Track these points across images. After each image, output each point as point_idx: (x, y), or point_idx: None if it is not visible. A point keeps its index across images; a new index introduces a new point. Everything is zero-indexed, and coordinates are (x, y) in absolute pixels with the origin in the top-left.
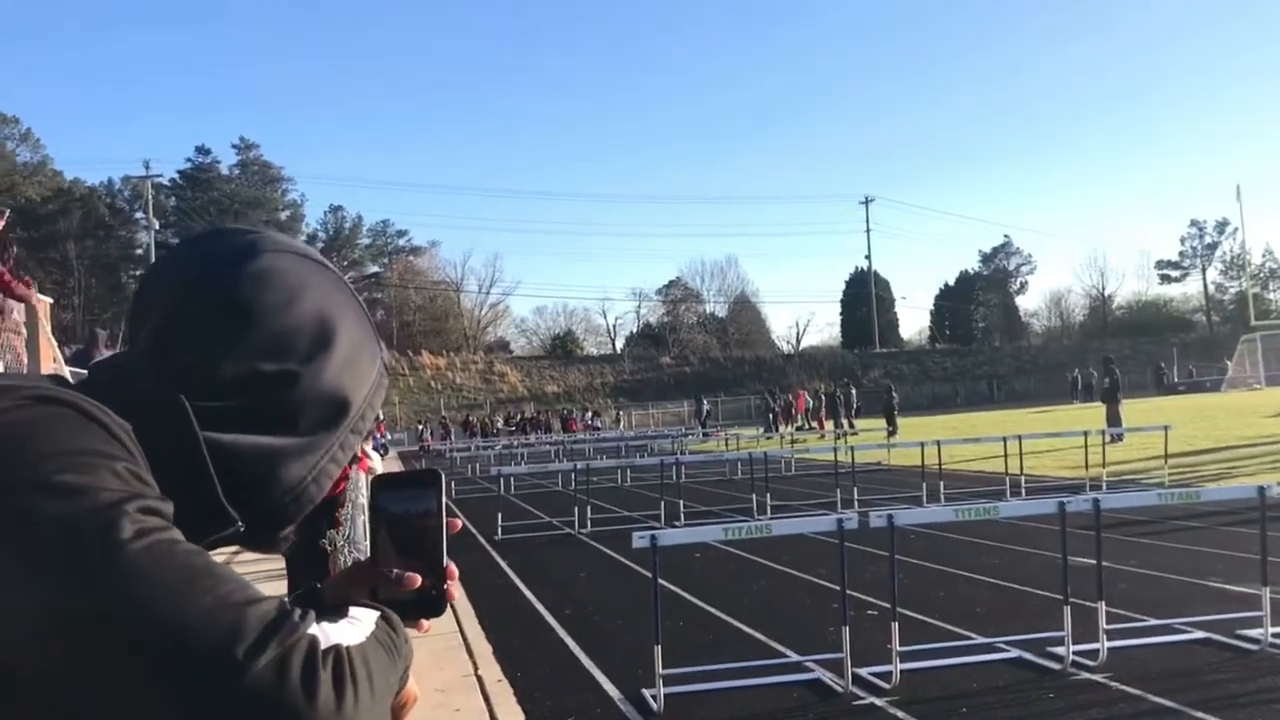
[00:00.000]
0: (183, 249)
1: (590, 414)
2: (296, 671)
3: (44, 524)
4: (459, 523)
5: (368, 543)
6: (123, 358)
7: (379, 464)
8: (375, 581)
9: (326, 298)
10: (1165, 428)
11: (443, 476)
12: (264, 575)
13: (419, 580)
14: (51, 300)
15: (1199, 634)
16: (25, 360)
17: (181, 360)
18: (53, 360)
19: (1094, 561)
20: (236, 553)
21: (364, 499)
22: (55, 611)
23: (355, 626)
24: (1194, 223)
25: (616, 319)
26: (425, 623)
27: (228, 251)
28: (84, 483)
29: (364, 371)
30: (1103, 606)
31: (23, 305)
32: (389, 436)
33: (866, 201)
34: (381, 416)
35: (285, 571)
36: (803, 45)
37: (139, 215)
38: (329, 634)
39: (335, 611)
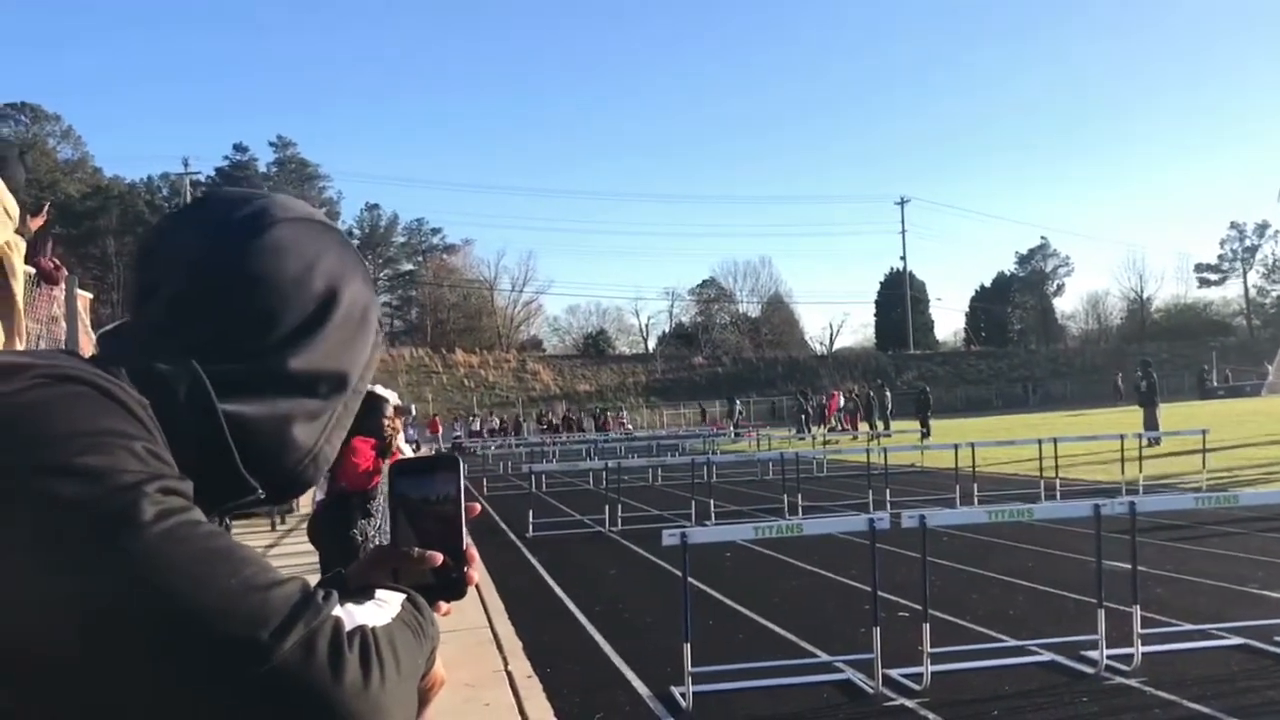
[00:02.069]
0: (188, 215)
1: (621, 412)
2: (323, 653)
3: (64, 508)
4: (478, 507)
5: None
6: (135, 328)
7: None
8: (395, 564)
9: (338, 262)
10: (1203, 432)
11: (461, 461)
12: (300, 569)
13: (439, 559)
14: (91, 295)
15: (1235, 640)
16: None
17: (198, 332)
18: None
19: (1129, 566)
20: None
21: None
22: (77, 597)
23: (381, 608)
24: (1234, 225)
25: (649, 318)
26: (445, 605)
27: (240, 220)
28: (103, 465)
29: (366, 333)
30: (1138, 611)
31: (62, 297)
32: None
33: (902, 202)
34: (431, 413)
35: (319, 563)
36: (839, 43)
37: None
38: (354, 615)
39: (361, 594)
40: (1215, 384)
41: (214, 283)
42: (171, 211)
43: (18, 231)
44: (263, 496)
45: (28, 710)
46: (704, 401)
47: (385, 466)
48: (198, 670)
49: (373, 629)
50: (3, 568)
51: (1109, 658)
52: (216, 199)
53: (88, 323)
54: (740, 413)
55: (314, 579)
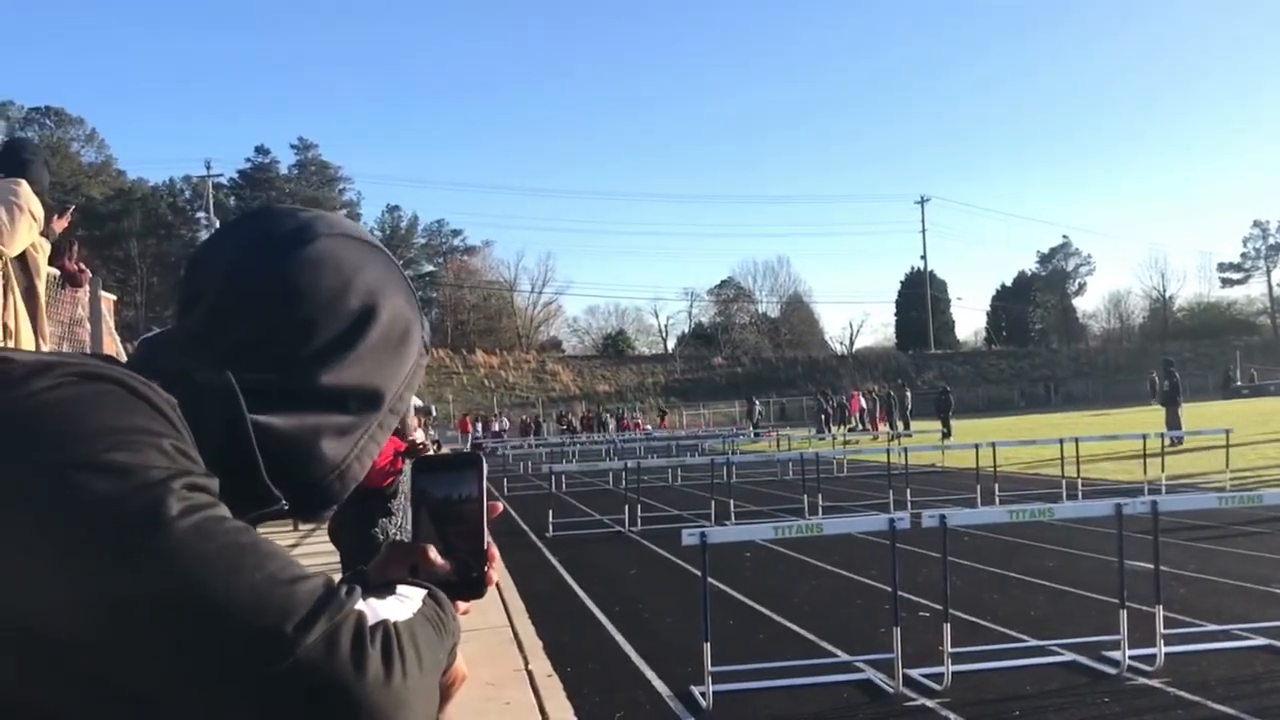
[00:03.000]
0: (236, 228)
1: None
2: (346, 647)
3: (91, 503)
4: (500, 506)
5: None
6: (171, 334)
7: None
8: (415, 561)
9: (378, 280)
10: (1227, 431)
11: (484, 459)
12: (322, 569)
13: (449, 566)
14: (115, 297)
15: (1260, 641)
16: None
17: (232, 340)
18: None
19: (1151, 566)
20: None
21: None
22: (104, 591)
23: (403, 603)
24: (1257, 224)
25: (668, 319)
26: (464, 604)
27: (283, 234)
28: (131, 461)
29: (407, 351)
30: (1160, 611)
31: (86, 299)
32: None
33: (922, 201)
34: (453, 414)
35: (340, 562)
36: (861, 41)
37: (200, 214)
38: (377, 610)
39: (383, 589)
40: (1240, 383)
41: (251, 292)
42: (223, 224)
43: (42, 234)
44: (286, 508)
45: (59, 703)
46: (723, 402)
47: (405, 465)
48: (222, 664)
49: (395, 624)
50: (32, 563)
51: (1131, 658)
52: (265, 213)
53: (111, 325)
54: (760, 413)
55: (336, 578)
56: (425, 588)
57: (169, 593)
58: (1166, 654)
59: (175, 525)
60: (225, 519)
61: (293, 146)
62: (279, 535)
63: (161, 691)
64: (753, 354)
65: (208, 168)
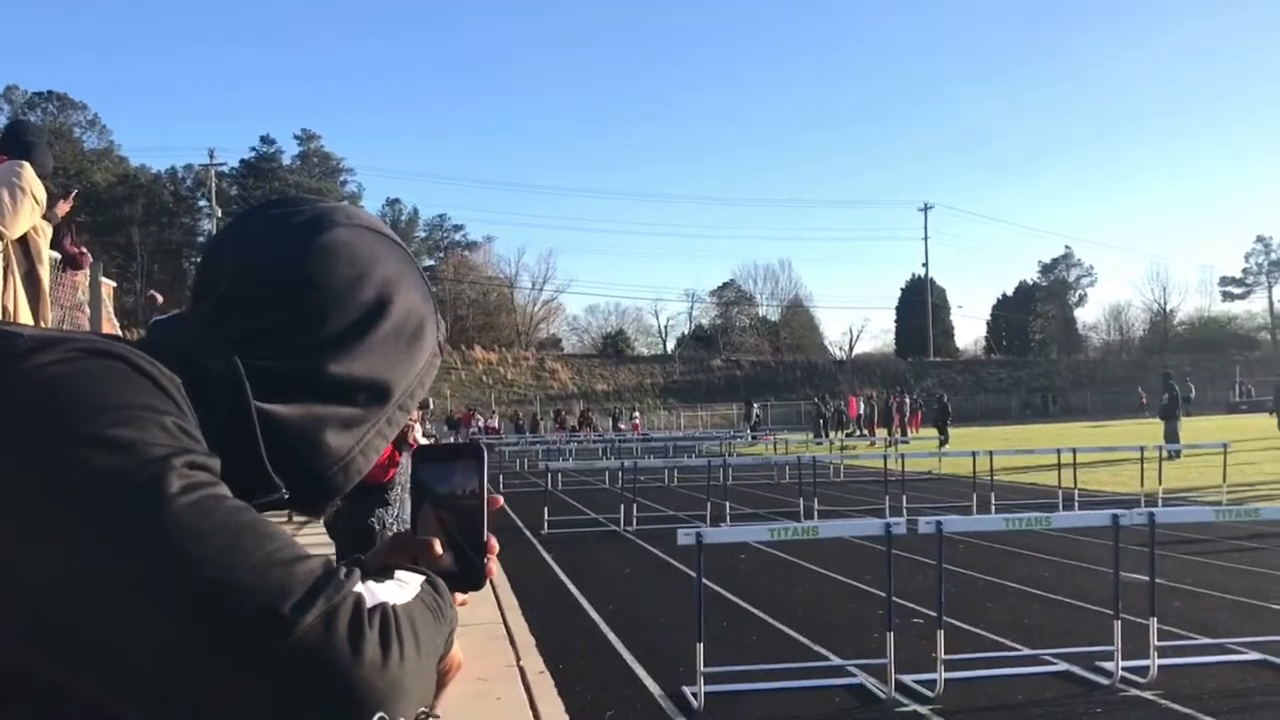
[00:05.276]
0: (253, 216)
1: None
2: (344, 628)
3: (93, 478)
4: (500, 499)
5: None
6: (183, 319)
7: None
8: (415, 552)
9: (394, 274)
10: (1224, 445)
11: (485, 450)
12: None
13: (448, 559)
14: (115, 284)
15: (1253, 655)
16: None
17: (242, 326)
18: None
19: (1147, 578)
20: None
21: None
22: (102, 566)
23: (402, 588)
24: (1260, 239)
25: (668, 320)
26: (461, 595)
27: (300, 222)
28: (133, 437)
29: (420, 349)
30: (1154, 623)
31: (85, 284)
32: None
33: (925, 208)
34: (452, 404)
35: (336, 553)
36: (866, 48)
37: (202, 203)
38: (376, 593)
39: (382, 574)
40: (1238, 398)
41: (264, 279)
42: (241, 211)
43: (45, 217)
44: (287, 497)
45: (59, 676)
46: (721, 404)
47: (402, 459)
48: (218, 642)
49: (394, 607)
50: (33, 535)
51: (1124, 669)
52: (283, 201)
53: (110, 310)
54: (758, 416)
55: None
56: (424, 574)
57: (167, 569)
58: (1160, 666)
59: (175, 502)
60: (225, 497)
61: (296, 137)
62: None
63: (157, 667)
64: (752, 357)
65: (211, 157)
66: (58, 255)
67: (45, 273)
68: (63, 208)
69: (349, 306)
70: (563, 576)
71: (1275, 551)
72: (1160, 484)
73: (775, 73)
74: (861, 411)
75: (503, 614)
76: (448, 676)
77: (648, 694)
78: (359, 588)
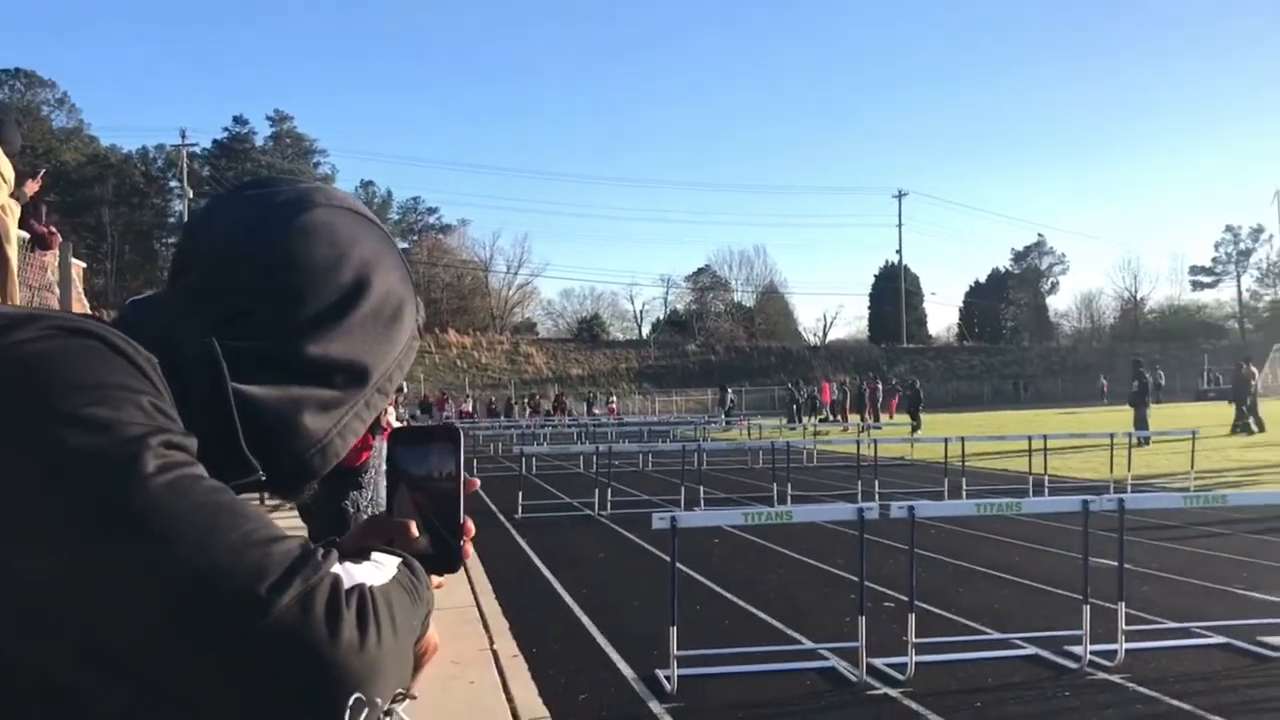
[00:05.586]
0: (233, 196)
1: (611, 398)
2: (320, 609)
3: (70, 457)
4: (477, 482)
5: None
6: (160, 298)
7: None
8: (391, 534)
9: (373, 255)
10: (1193, 432)
11: (461, 433)
12: None
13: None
14: (85, 265)
15: (1218, 639)
16: None
17: (221, 306)
18: None
19: (1115, 563)
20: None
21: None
22: (77, 545)
23: (379, 569)
24: (1229, 228)
25: (644, 305)
26: (436, 578)
27: (279, 201)
28: (109, 416)
29: (399, 331)
30: (1123, 608)
31: (55, 264)
32: (407, 410)
33: (899, 195)
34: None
35: (309, 536)
36: (841, 36)
37: (173, 184)
38: (353, 574)
39: (358, 555)
40: (1206, 386)
41: (242, 258)
42: (220, 192)
43: (13, 196)
44: (264, 479)
45: (29, 652)
46: (696, 389)
47: (376, 442)
48: (194, 622)
49: (371, 588)
50: (8, 513)
51: (1092, 653)
52: (263, 181)
53: (80, 291)
54: (732, 401)
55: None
56: (401, 556)
57: (142, 549)
58: (1127, 650)
59: (151, 481)
60: (202, 477)
61: (268, 118)
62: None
63: (132, 648)
64: (727, 342)
65: (183, 137)
66: (26, 235)
67: (14, 252)
68: (31, 187)
69: (328, 287)
70: (536, 560)
71: (1241, 537)
72: (1130, 470)
73: (751, 60)
74: (835, 397)
75: (476, 598)
76: (424, 658)
77: (621, 677)
78: (336, 569)
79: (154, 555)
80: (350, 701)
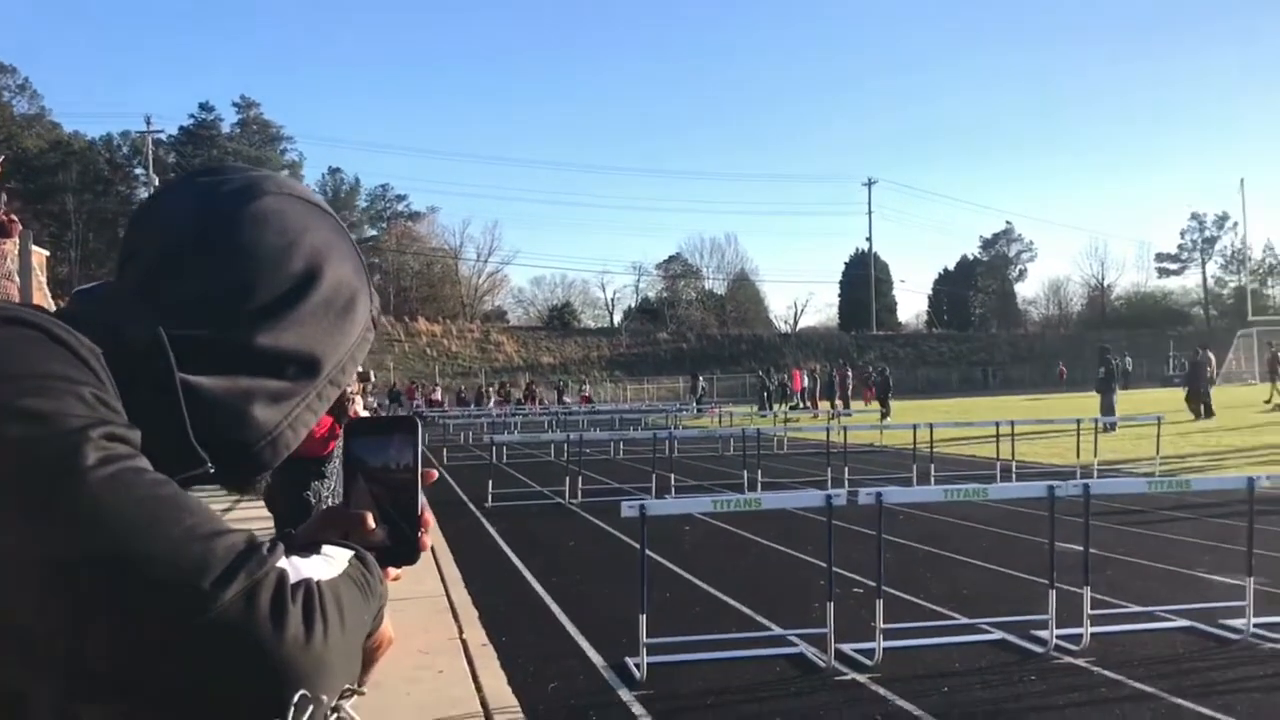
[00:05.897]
0: (182, 184)
1: (584, 386)
2: (265, 604)
3: (6, 450)
4: (435, 473)
5: None
6: (107, 288)
7: None
8: (347, 525)
9: (324, 244)
10: (1158, 418)
11: (419, 424)
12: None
13: (379, 533)
14: (48, 253)
15: (1182, 622)
16: None
17: (168, 295)
18: None
19: (1081, 548)
20: (228, 510)
21: None
22: (14, 540)
23: (329, 564)
24: (1194, 216)
25: (615, 292)
26: (395, 570)
27: (229, 190)
28: (48, 408)
29: (352, 322)
30: (1088, 592)
31: (16, 253)
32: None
33: (869, 183)
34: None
35: (274, 526)
36: (812, 27)
37: (139, 171)
38: (300, 568)
39: (308, 549)
40: (1172, 372)
41: (190, 247)
42: (169, 179)
43: None
44: (212, 471)
45: None
46: (668, 377)
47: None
48: (136, 618)
49: (318, 583)
50: None
51: (1058, 637)
52: (212, 169)
53: (43, 280)
54: (703, 388)
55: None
56: (352, 549)
57: (82, 544)
58: (1093, 634)
59: (91, 475)
60: (144, 470)
61: (235, 105)
62: (212, 499)
63: (71, 644)
64: (698, 330)
65: (148, 123)
66: None
67: None
68: None
69: (278, 276)
70: (506, 549)
71: (1205, 522)
72: (1095, 456)
73: (723, 48)
74: (805, 385)
75: (445, 587)
76: (377, 653)
77: (590, 665)
78: (282, 563)
79: (92, 550)
80: (295, 698)
